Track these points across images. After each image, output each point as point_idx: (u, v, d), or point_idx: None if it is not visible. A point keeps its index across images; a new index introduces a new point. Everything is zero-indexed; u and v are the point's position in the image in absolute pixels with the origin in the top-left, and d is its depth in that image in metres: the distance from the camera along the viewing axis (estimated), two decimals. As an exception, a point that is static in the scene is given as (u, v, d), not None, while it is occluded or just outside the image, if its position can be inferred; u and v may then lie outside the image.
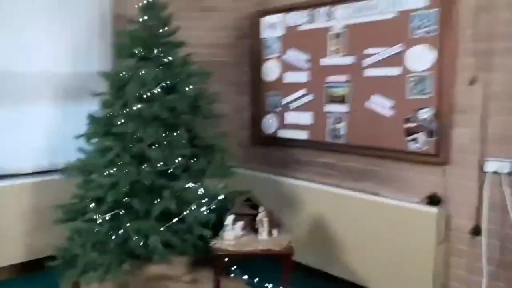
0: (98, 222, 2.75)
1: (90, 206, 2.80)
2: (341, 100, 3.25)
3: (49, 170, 3.53)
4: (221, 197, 3.02)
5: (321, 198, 3.31)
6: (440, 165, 2.79)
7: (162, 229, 2.67)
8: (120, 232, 2.73)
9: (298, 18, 3.45)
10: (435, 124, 2.79)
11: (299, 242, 3.28)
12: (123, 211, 2.76)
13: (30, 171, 3.49)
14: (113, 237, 2.73)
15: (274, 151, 3.79)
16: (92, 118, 2.92)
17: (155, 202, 2.75)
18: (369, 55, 3.05)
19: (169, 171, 2.84)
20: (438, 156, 2.78)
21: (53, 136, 3.55)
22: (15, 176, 3.40)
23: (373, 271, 3.03)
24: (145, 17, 2.92)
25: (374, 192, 3.11)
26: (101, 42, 3.59)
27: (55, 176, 3.34)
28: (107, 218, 2.69)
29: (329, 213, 3.27)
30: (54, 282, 2.95)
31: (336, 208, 3.21)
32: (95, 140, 2.91)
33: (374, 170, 3.15)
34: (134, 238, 2.65)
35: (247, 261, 3.22)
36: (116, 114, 2.84)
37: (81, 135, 2.93)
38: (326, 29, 3.27)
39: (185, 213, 2.78)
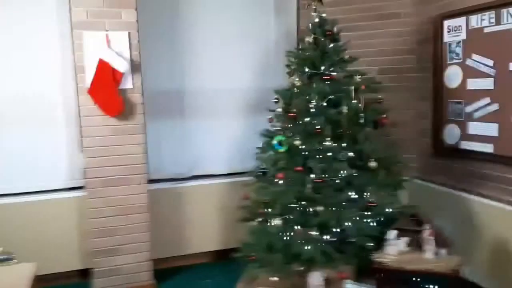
0: (269, 224, 3.07)
1: (264, 209, 3.13)
2: (534, 109, 2.81)
3: (242, 172, 4.07)
4: (387, 210, 3.00)
5: (506, 219, 2.93)
6: None
7: (319, 237, 2.81)
8: (287, 235, 2.99)
9: (483, 20, 3.11)
10: None
11: (475, 263, 2.99)
12: (291, 216, 3.00)
13: (225, 172, 4.09)
14: (281, 239, 3.00)
15: (455, 163, 3.50)
16: (266, 133, 3.25)
17: (317, 210, 2.90)
18: None
19: (332, 183, 2.96)
20: None
21: (242, 144, 4.08)
22: (213, 176, 4.04)
23: None
24: (314, 35, 3.08)
25: None
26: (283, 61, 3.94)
27: (245, 178, 3.80)
28: (277, 221, 2.97)
29: (515, 237, 2.88)
30: (238, 272, 3.40)
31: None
32: (268, 152, 3.23)
33: None
34: (296, 244, 2.87)
35: (410, 280, 3.09)
36: (286, 128, 3.10)
37: (258, 147, 3.30)
38: (516, 30, 2.88)
39: (347, 223, 2.86)
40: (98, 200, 3.35)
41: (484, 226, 3.11)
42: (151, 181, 3.81)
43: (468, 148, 3.34)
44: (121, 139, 3.36)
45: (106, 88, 3.21)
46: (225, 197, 3.94)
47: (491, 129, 3.11)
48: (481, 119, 3.20)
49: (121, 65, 3.21)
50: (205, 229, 3.93)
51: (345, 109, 2.96)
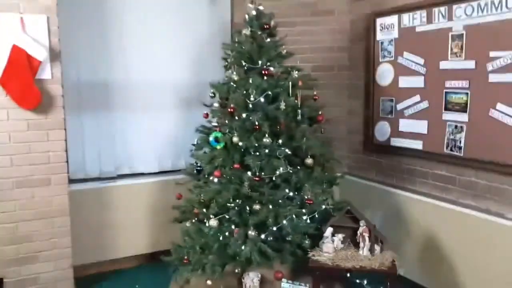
0: (206, 224, 2.92)
1: (199, 209, 2.98)
2: (461, 108, 2.93)
3: (174, 170, 3.88)
4: (322, 207, 2.98)
5: (435, 214, 3.04)
6: None
7: (256, 236, 2.73)
8: (223, 235, 2.87)
9: (414, 19, 3.19)
10: None
11: (407, 258, 3.07)
12: (227, 216, 2.88)
13: (156, 170, 3.86)
14: (217, 240, 2.87)
15: (386, 159, 3.59)
16: (201, 129, 3.10)
17: (254, 209, 2.81)
18: (495, 58, 2.69)
19: (270, 180, 2.89)
20: None
21: (175, 140, 3.88)
22: (142, 175, 3.80)
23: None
24: (251, 29, 2.98)
25: (499, 213, 2.75)
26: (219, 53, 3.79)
27: (178, 176, 3.61)
28: (213, 221, 2.83)
29: (443, 231, 2.99)
30: (170, 275, 3.20)
31: (452, 227, 2.93)
32: (204, 149, 3.09)
33: (499, 188, 2.78)
34: (232, 244, 2.76)
35: (346, 277, 3.11)
36: (223, 124, 2.97)
37: (194, 144, 3.14)
38: (446, 30, 2.97)
39: (284, 222, 2.80)
40: (10, 204, 2.99)
41: (414, 221, 3.21)
42: (73, 181, 3.50)
43: (398, 145, 3.43)
44: (37, 135, 3.02)
45: (20, 78, 2.87)
46: (155, 197, 3.72)
47: (421, 126, 3.21)
48: (412, 117, 3.29)
49: (39, 52, 2.89)
50: (133, 232, 3.68)
51: (282, 105, 2.89)
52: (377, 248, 2.75)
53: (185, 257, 2.98)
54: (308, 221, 2.89)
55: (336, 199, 3.32)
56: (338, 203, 3.14)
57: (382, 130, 3.56)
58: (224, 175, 2.90)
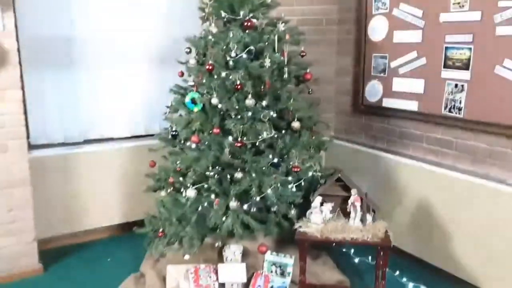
0: (183, 194, 2.65)
1: (175, 178, 2.71)
2: (463, 65, 2.66)
3: (147, 135, 3.55)
4: (309, 174, 2.75)
5: (430, 180, 2.83)
6: None
7: (238, 207, 2.49)
8: (202, 206, 2.61)
9: (412, -36, 2.87)
10: None
11: (399, 227, 2.89)
12: (206, 185, 2.61)
13: (127, 135, 3.53)
14: (196, 212, 2.62)
15: (377, 122, 3.34)
16: (176, 89, 2.78)
17: (236, 177, 2.55)
18: (504, 9, 2.41)
19: (253, 146, 2.62)
20: None
21: (149, 101, 3.53)
22: (112, 140, 3.47)
23: (485, 269, 2.55)
24: (232, -26, 2.62)
25: (501, 180, 2.55)
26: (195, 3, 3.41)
27: (152, 142, 3.28)
28: (190, 191, 2.56)
29: (438, 198, 2.80)
30: (144, 247, 2.95)
31: (448, 194, 2.73)
32: (180, 112, 2.78)
33: (501, 152, 2.57)
34: (212, 216, 2.51)
35: (337, 250, 2.93)
36: (200, 83, 2.66)
37: (168, 106, 2.83)
38: (448, -23, 2.67)
39: (268, 191, 2.55)
40: (-39, 174, 2.67)
41: (406, 188, 3.01)
42: (34, 147, 3.16)
43: (391, 106, 3.17)
44: (-11, 95, 2.67)
45: (-38, 29, 2.47)
46: (127, 165, 3.41)
47: (417, 85, 2.95)
48: (407, 75, 3.02)
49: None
50: (103, 201, 3.38)
51: (267, 62, 2.57)
52: (369, 218, 2.54)
53: (160, 229, 2.73)
54: (294, 189, 2.66)
55: (323, 165, 3.09)
56: (326, 169, 2.91)
57: (374, 89, 3.29)
58: (203, 141, 2.61)
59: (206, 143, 2.62)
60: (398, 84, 3.09)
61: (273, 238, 2.71)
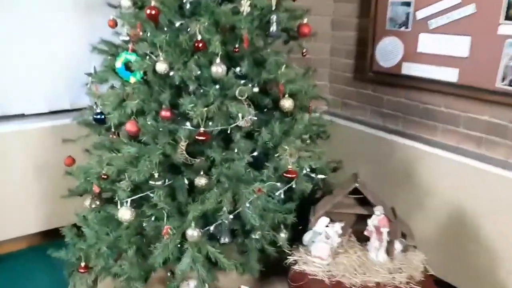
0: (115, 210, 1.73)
1: (102, 187, 1.77)
2: (534, 16, 1.79)
3: (73, 110, 2.55)
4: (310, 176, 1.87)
5: (469, 179, 2.03)
6: None
7: (199, 233, 1.59)
8: (144, 232, 1.71)
9: None
10: None
11: (423, 243, 2.08)
12: (151, 198, 1.69)
13: (43, 111, 2.52)
14: (134, 240, 1.71)
15: (391, 94, 2.46)
16: (104, 46, 1.80)
17: (198, 186, 1.65)
18: None
19: (224, 138, 1.71)
20: None
21: (74, 64, 2.50)
22: (24, 118, 2.46)
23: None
24: None
25: None
26: None
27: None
28: (124, 211, 1.63)
29: (482, 206, 2.01)
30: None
31: (497, 200, 1.94)
32: (110, 82, 1.80)
33: None
34: (158, 252, 1.61)
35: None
36: (139, 38, 1.68)
37: (90, 74, 1.84)
38: None
39: (247, 205, 1.67)
40: None
41: (431, 188, 2.19)
42: None
43: (414, 73, 2.29)
44: None
45: None
46: (45, 151, 2.42)
47: (458, 45, 2.06)
48: (442, 30, 2.12)
49: None
50: (13, 205, 2.41)
51: (246, 5, 1.61)
52: (397, 246, 1.70)
53: (83, 262, 1.81)
54: (282, 196, 1.78)
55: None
56: (329, 163, 2.03)
57: (389, 50, 2.39)
58: (144, 130, 1.67)
59: (150, 133, 1.67)
60: (427, 43, 2.19)
61: (254, 275, 1.84)
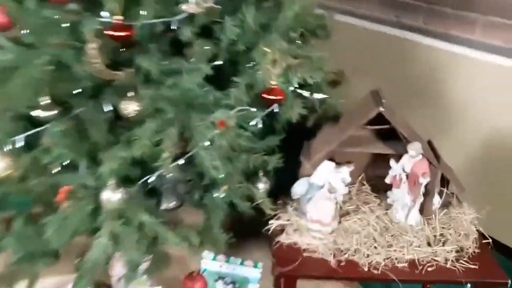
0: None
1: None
2: None
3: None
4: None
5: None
6: None
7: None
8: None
9: None
10: None
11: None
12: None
13: None
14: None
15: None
16: None
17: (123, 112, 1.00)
18: None
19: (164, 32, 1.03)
20: None
21: None
22: None
23: None
24: None
25: None
26: None
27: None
28: None
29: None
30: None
31: None
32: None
33: None
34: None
35: None
36: None
37: None
38: None
39: (204, 144, 1.02)
40: None
41: (465, 103, 1.59)
42: None
43: None
44: None
45: None
46: None
47: None
48: None
49: None
50: None
51: None
52: (435, 202, 1.12)
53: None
54: (260, 126, 1.14)
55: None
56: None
57: None
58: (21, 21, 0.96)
59: (33, 27, 0.97)
60: None
61: (220, 250, 1.23)
